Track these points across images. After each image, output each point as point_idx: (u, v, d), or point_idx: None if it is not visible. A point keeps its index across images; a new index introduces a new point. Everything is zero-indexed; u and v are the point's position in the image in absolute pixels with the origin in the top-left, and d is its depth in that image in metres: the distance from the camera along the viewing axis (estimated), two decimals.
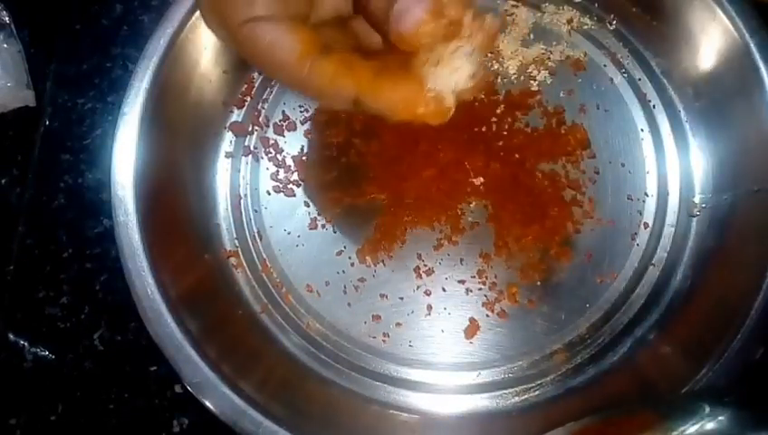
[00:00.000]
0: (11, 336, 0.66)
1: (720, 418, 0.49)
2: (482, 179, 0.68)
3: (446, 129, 0.56)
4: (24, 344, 0.66)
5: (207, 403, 0.57)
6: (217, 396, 0.57)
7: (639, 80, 0.71)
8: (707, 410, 0.49)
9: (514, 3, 0.73)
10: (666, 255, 0.67)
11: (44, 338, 0.66)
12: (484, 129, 0.69)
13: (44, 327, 0.67)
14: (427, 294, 0.67)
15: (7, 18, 0.72)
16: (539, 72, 0.71)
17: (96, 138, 0.71)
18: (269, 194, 0.70)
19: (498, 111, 0.70)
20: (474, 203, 0.68)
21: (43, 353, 0.66)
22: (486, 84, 0.70)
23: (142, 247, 0.59)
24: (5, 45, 0.71)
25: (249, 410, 0.57)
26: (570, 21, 0.73)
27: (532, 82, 0.71)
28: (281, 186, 0.70)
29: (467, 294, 0.67)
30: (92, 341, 0.66)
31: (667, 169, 0.69)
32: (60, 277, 0.68)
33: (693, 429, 0.48)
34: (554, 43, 0.72)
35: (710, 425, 0.49)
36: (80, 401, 0.65)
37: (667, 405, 0.53)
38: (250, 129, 0.71)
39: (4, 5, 0.72)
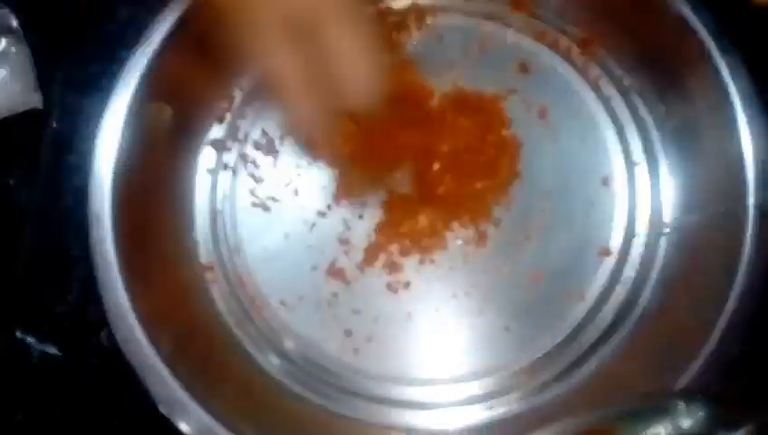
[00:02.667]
0: (18, 334, 0.68)
1: (696, 416, 0.50)
2: None
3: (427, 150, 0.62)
4: (30, 342, 0.68)
5: (179, 423, 0.59)
6: (188, 415, 0.59)
7: (611, 98, 0.72)
8: (683, 407, 0.50)
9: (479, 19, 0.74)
10: (634, 274, 0.69)
11: (51, 336, 0.68)
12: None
13: (51, 325, 0.69)
14: (400, 310, 0.69)
15: (15, 22, 0.73)
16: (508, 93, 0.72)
17: None
18: (246, 209, 0.71)
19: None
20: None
21: (49, 351, 0.68)
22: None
23: (116, 262, 0.61)
24: (14, 49, 0.72)
25: (218, 428, 0.58)
26: (541, 39, 0.74)
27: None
28: (258, 201, 0.71)
29: (438, 311, 0.68)
30: (98, 339, 0.68)
31: (637, 189, 0.70)
32: (67, 276, 0.70)
33: (668, 427, 0.50)
34: (525, 62, 0.73)
35: (686, 423, 0.50)
36: (85, 398, 0.68)
37: (642, 403, 0.53)
38: (229, 145, 0.73)
39: (11, 10, 0.73)
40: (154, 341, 0.60)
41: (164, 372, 0.59)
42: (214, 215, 0.72)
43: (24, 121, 0.73)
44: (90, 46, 0.75)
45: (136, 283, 0.62)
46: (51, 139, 0.73)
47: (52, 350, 0.68)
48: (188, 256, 0.70)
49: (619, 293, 0.68)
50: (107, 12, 0.76)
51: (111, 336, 0.65)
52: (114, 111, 0.64)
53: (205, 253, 0.71)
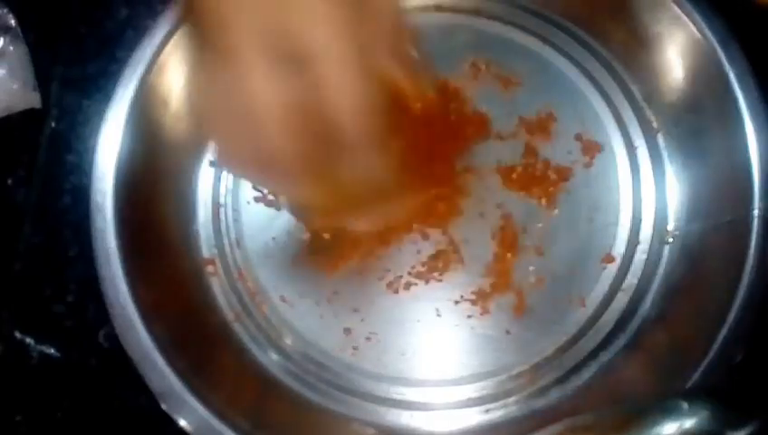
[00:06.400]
0: (17, 334, 0.68)
1: (700, 415, 0.49)
2: None
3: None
4: (29, 342, 0.68)
5: (178, 418, 0.59)
6: (187, 410, 0.59)
7: (619, 104, 0.72)
8: (686, 407, 0.50)
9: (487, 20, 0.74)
10: (636, 281, 0.68)
11: (50, 336, 0.68)
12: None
13: (50, 325, 0.69)
14: (400, 310, 0.68)
15: (13, 21, 0.73)
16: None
17: None
18: (249, 203, 0.71)
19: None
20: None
21: (48, 351, 0.68)
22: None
23: (118, 255, 0.61)
24: (12, 48, 0.72)
25: (215, 422, 0.59)
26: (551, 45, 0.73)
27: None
28: (261, 195, 0.71)
29: (439, 312, 0.68)
30: (97, 339, 0.68)
31: (642, 195, 0.70)
32: (65, 276, 0.70)
33: (672, 427, 0.49)
34: (535, 68, 0.73)
35: (690, 423, 0.49)
36: (85, 398, 0.68)
37: (646, 403, 0.53)
38: None
39: (9, 8, 0.73)
40: (153, 333, 0.60)
41: (163, 365, 0.60)
42: (216, 208, 0.71)
43: (22, 121, 0.73)
44: (88, 45, 0.75)
45: (136, 274, 0.62)
46: (49, 138, 0.73)
47: (51, 350, 0.68)
48: (189, 250, 0.70)
49: (621, 300, 0.68)
50: (105, 11, 0.76)
51: (110, 336, 0.66)
52: (118, 104, 0.64)
53: (206, 246, 0.71)
